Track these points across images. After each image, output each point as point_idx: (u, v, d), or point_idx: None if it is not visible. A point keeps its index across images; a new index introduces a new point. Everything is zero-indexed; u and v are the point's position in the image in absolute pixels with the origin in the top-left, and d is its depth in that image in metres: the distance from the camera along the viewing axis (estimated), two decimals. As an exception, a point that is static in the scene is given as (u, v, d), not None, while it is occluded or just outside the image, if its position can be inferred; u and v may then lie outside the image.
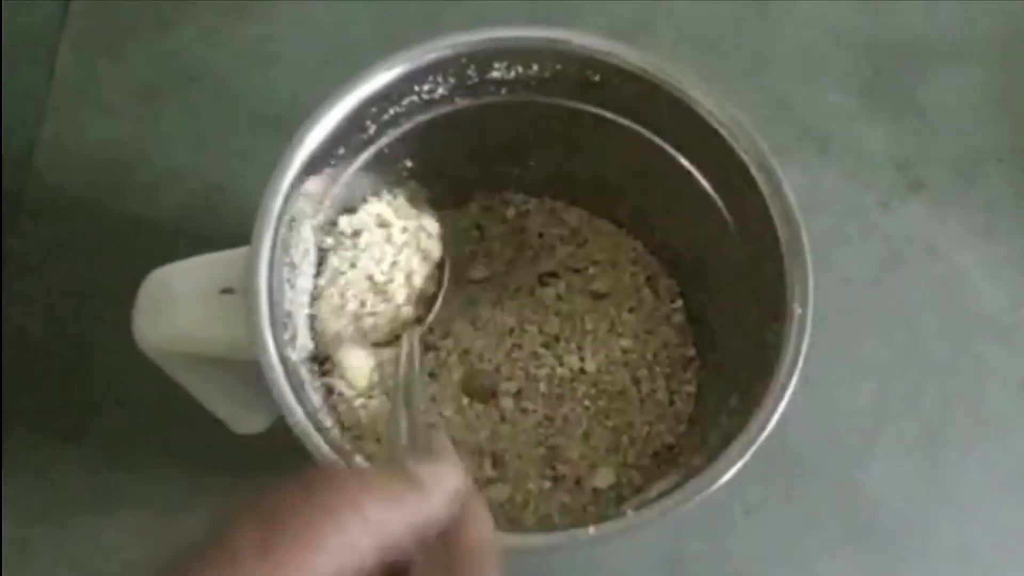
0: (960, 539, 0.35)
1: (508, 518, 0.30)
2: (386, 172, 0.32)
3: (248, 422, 0.34)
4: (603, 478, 0.31)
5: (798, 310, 0.26)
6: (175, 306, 0.28)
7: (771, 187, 0.27)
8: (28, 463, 0.36)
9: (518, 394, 0.33)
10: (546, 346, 0.33)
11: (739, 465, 0.25)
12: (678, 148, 0.30)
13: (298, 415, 0.26)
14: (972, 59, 0.42)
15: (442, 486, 0.18)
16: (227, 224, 0.38)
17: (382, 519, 0.17)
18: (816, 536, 0.35)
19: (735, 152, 0.27)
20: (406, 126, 0.31)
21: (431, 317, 0.32)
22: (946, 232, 0.39)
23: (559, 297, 0.34)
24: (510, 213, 0.35)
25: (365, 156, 0.31)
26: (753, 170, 0.27)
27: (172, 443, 0.36)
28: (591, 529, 0.25)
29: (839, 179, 0.40)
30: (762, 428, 0.25)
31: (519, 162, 0.34)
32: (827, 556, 0.35)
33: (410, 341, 0.30)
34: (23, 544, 0.34)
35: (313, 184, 0.29)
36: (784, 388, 0.26)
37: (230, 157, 0.40)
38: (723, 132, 0.27)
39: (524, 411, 0.32)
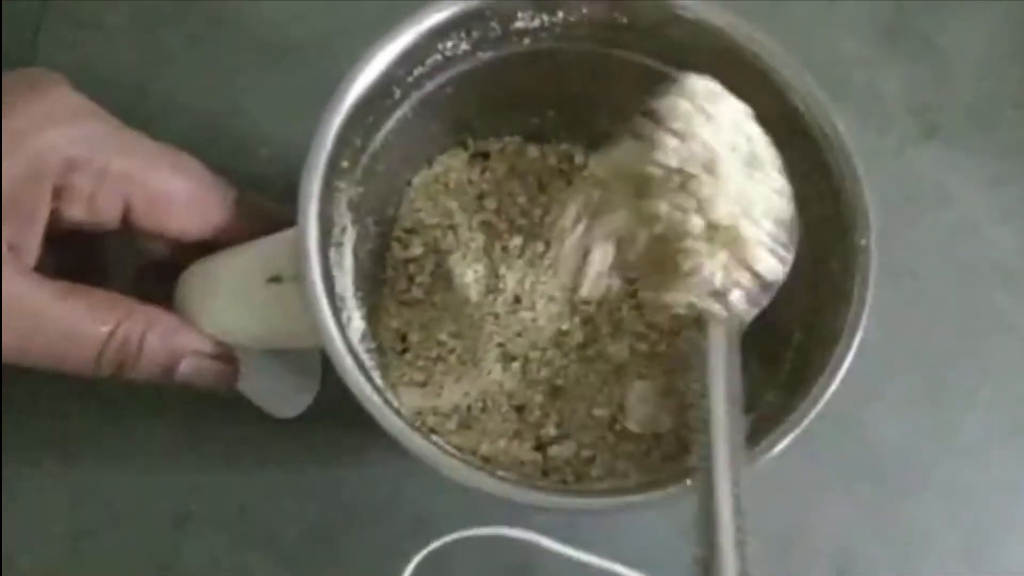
0: (960, 482, 0.35)
1: (576, 474, 0.30)
2: (412, 139, 0.31)
3: (288, 406, 0.33)
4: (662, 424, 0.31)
5: (862, 241, 0.26)
6: (221, 302, 0.27)
7: (827, 138, 0.26)
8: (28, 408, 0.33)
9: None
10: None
11: (803, 426, 0.26)
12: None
13: (374, 400, 0.25)
14: (993, 2, 0.41)
15: None
16: (232, 160, 0.34)
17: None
18: (819, 473, 0.35)
19: (788, 100, 0.26)
20: (429, 87, 0.30)
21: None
22: (960, 179, 0.39)
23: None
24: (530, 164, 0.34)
25: (390, 123, 0.30)
26: (807, 117, 0.26)
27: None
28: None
29: (853, 123, 0.39)
30: (824, 390, 0.26)
31: (538, 112, 0.33)
32: (829, 493, 0.35)
33: None
34: (18, 490, 0.32)
35: (347, 158, 0.28)
36: (853, 334, 0.26)
37: (234, 88, 0.37)
38: (775, 78, 0.26)
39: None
